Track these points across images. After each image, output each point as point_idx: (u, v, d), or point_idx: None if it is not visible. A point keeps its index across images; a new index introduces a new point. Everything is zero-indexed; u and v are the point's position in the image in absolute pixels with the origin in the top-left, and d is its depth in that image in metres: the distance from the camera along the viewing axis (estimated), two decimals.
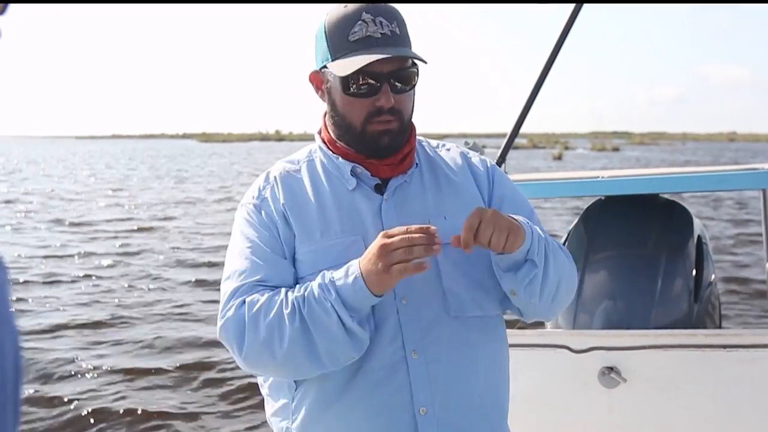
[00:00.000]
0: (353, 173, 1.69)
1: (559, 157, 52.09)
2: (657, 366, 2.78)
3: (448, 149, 1.86)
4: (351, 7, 1.62)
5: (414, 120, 1.77)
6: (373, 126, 1.64)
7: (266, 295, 1.57)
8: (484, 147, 3.15)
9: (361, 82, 1.61)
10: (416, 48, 1.73)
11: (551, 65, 3.35)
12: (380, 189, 1.70)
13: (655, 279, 3.00)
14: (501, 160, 3.32)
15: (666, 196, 3.47)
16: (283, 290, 1.58)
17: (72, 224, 16.55)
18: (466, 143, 2.98)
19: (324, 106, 1.76)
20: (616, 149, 76.22)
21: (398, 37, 1.60)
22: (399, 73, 1.62)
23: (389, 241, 1.48)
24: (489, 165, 1.84)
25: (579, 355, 2.83)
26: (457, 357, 1.64)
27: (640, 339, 2.80)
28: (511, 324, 2.31)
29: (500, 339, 1.75)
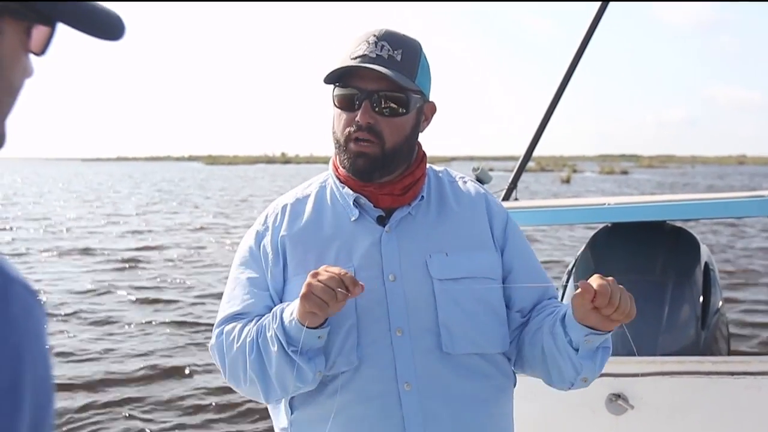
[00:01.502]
0: (356, 204, 1.71)
1: (567, 181, 51.91)
2: (664, 393, 2.78)
3: (465, 182, 1.85)
4: (365, 32, 1.67)
5: (426, 150, 1.78)
6: (351, 145, 1.65)
7: (240, 324, 1.66)
8: (491, 170, 3.18)
9: (342, 93, 1.65)
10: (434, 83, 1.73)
11: (569, 79, 3.38)
12: (382, 221, 1.70)
13: (661, 305, 3.00)
14: (513, 186, 3.34)
15: (675, 222, 3.48)
16: (255, 319, 1.65)
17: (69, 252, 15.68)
18: (474, 169, 3.01)
19: None
20: (624, 172, 76.03)
21: (395, 62, 1.62)
22: (384, 93, 1.63)
23: (318, 277, 1.49)
24: (508, 215, 1.84)
25: None
26: (449, 392, 1.63)
27: (647, 366, 2.79)
28: None
29: (500, 375, 1.72)
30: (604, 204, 3.24)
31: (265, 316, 1.64)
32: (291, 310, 1.56)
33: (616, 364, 2.83)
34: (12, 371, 0.65)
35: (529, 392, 2.81)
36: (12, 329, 0.66)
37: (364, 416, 1.62)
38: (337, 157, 1.72)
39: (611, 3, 3.64)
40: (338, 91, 1.66)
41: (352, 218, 1.70)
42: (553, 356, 1.64)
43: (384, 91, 1.62)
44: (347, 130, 1.65)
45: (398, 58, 1.63)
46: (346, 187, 1.72)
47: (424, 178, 1.76)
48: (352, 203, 1.70)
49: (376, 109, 1.63)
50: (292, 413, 1.71)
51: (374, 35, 1.64)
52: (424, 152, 1.78)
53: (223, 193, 39.36)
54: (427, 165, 1.80)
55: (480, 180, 3.01)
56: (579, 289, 1.51)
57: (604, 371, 2.76)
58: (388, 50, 1.63)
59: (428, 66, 1.72)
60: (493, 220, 1.78)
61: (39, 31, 0.81)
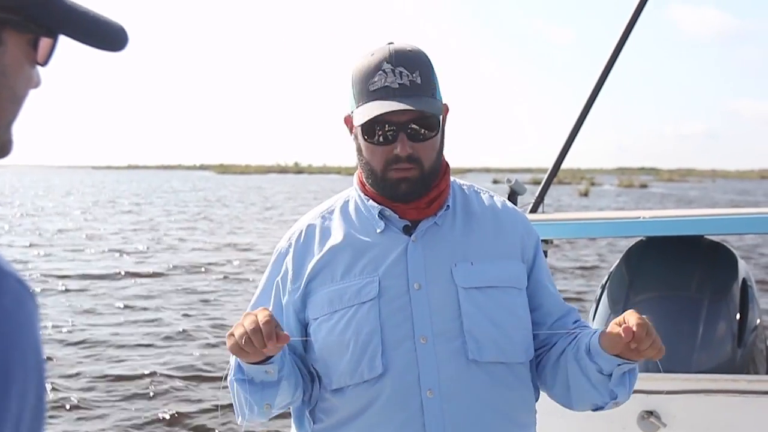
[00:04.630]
0: (381, 215, 1.72)
1: (585, 194, 51.67)
2: (698, 411, 2.74)
3: (491, 195, 1.87)
4: (375, 55, 1.65)
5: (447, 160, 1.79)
6: (392, 173, 1.66)
7: None
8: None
9: (378, 131, 1.64)
10: (442, 85, 1.74)
11: (600, 89, 3.35)
12: (408, 230, 1.71)
13: (697, 322, 2.96)
14: (540, 199, 3.32)
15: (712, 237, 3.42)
16: None
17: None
18: (509, 180, 2.99)
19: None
20: (643, 186, 75.66)
21: (417, 86, 1.62)
22: (417, 122, 1.63)
23: (241, 325, 1.52)
24: (539, 239, 1.86)
25: None
26: (473, 399, 1.65)
27: (681, 383, 2.75)
28: None
29: (522, 386, 1.74)
30: (639, 217, 3.20)
31: None
32: None
33: (648, 380, 2.78)
34: (2, 358, 0.68)
35: (557, 408, 2.76)
36: (3, 319, 0.69)
37: (386, 423, 1.64)
38: (371, 183, 1.72)
39: (630, 13, 3.60)
40: (370, 127, 1.65)
41: (378, 230, 1.72)
42: (579, 383, 1.68)
43: (417, 121, 1.64)
44: (384, 161, 1.66)
45: (418, 81, 1.63)
46: (371, 200, 1.73)
47: (448, 189, 1.77)
48: (377, 215, 1.72)
49: (413, 138, 1.64)
50: (314, 423, 1.74)
51: (387, 62, 1.63)
52: (447, 163, 1.79)
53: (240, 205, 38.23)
54: (452, 178, 1.82)
55: (515, 191, 2.99)
56: (615, 328, 1.53)
57: (637, 387, 2.72)
58: (408, 75, 1.62)
59: (435, 71, 1.72)
60: (526, 236, 1.80)
61: (44, 43, 0.84)
